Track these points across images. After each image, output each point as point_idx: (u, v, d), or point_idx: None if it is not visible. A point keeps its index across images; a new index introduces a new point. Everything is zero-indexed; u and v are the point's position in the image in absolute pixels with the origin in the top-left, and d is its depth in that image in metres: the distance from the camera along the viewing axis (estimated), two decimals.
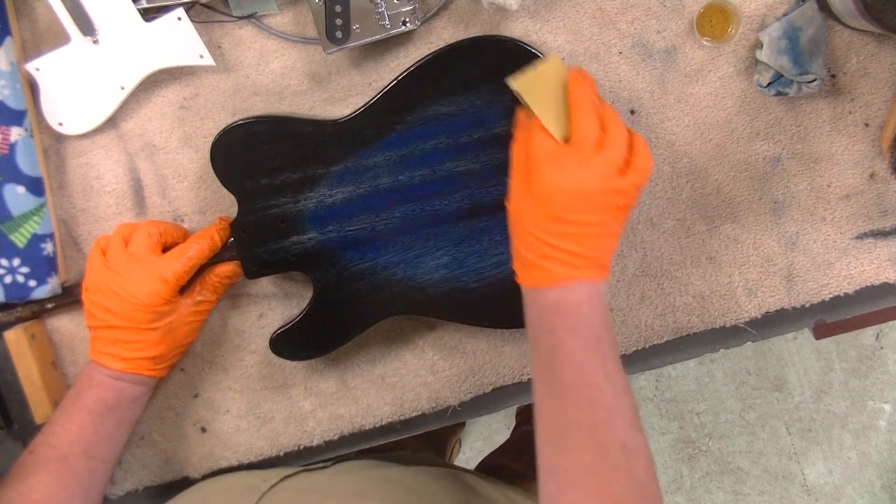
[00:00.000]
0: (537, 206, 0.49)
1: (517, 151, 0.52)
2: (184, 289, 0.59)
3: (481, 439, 1.54)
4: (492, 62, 0.56)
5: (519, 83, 0.51)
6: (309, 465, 0.64)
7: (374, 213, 0.58)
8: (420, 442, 1.03)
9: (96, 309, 0.57)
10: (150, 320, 0.56)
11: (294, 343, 0.60)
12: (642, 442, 0.46)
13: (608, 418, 0.45)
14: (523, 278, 0.51)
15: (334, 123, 0.57)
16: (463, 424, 1.25)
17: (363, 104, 0.57)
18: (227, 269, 0.59)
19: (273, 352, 0.60)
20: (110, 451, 0.57)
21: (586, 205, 0.48)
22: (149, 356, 0.57)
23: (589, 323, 0.49)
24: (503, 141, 0.56)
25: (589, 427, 0.45)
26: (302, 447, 0.67)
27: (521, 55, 0.56)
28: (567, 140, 0.49)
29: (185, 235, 0.60)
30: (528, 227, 0.49)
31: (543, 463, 0.46)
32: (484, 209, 0.57)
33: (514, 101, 0.55)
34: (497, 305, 0.59)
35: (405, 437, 0.67)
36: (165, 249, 0.58)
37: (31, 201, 0.59)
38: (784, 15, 0.58)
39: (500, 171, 0.57)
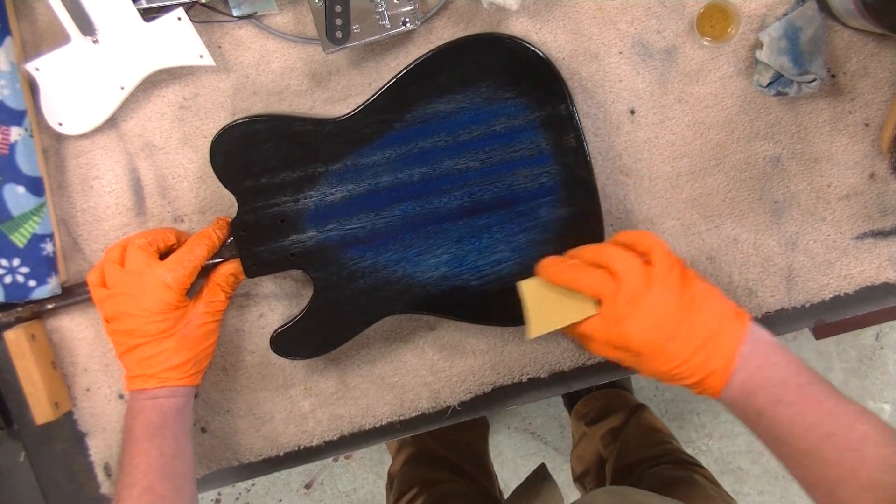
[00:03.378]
0: (651, 353, 0.49)
1: (599, 352, 0.53)
2: (193, 293, 0.59)
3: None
4: (490, 59, 0.56)
5: (533, 328, 0.53)
6: None
7: (373, 212, 0.58)
8: (458, 453, 1.03)
9: (118, 336, 0.57)
10: (164, 329, 0.56)
11: (294, 342, 0.60)
12: None
13: (860, 455, 0.44)
14: (712, 393, 0.50)
15: (334, 122, 0.57)
16: (488, 426, 1.24)
17: (362, 102, 0.57)
18: (231, 267, 0.59)
19: (273, 351, 0.60)
20: (183, 465, 0.57)
21: (665, 309, 0.48)
22: (173, 365, 0.57)
23: (781, 380, 0.48)
24: (502, 138, 0.56)
25: (849, 475, 0.44)
26: (302, 447, 0.67)
27: (519, 52, 0.56)
28: (599, 304, 0.51)
29: (179, 236, 0.60)
30: (668, 367, 0.49)
31: None
32: (484, 207, 0.57)
33: (513, 98, 0.56)
34: (497, 303, 0.59)
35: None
36: (164, 255, 0.58)
37: (31, 201, 0.59)
38: (784, 15, 0.58)
39: (500, 168, 0.57)
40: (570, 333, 0.54)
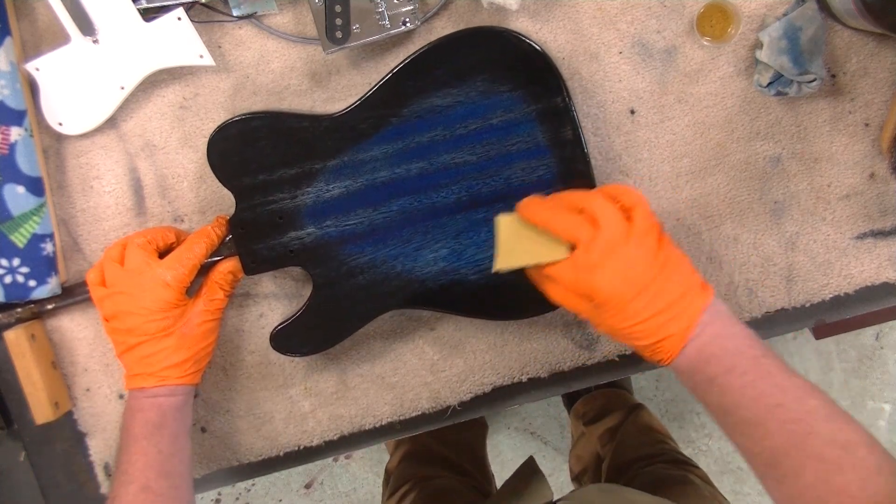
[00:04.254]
0: (614, 307, 0.49)
1: (557, 297, 0.52)
2: (193, 292, 0.59)
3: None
4: (486, 53, 0.56)
5: (500, 261, 0.52)
6: None
7: (371, 207, 0.58)
8: (458, 452, 1.03)
9: (118, 335, 0.57)
10: (164, 327, 0.56)
11: (294, 339, 0.60)
12: (852, 427, 0.45)
13: (807, 428, 0.45)
14: (665, 360, 0.51)
15: (330, 118, 0.57)
16: (486, 427, 1.24)
17: (358, 98, 0.57)
18: (230, 264, 0.59)
19: (273, 348, 0.60)
20: (181, 464, 0.57)
21: (638, 267, 0.48)
22: (172, 364, 0.57)
23: (737, 351, 0.48)
24: (499, 131, 0.56)
25: (794, 447, 0.44)
26: (302, 447, 0.67)
27: (514, 45, 0.56)
28: (572, 248, 0.50)
29: (178, 235, 0.60)
30: (626, 323, 0.49)
31: (775, 497, 0.46)
32: (482, 200, 0.57)
33: (509, 91, 0.56)
34: (496, 297, 0.58)
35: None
36: (163, 254, 0.58)
37: (31, 201, 0.59)
38: (784, 15, 0.58)
39: (497, 161, 0.57)
40: (535, 275, 0.54)
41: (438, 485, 0.91)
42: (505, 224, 0.52)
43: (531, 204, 0.52)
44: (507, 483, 0.78)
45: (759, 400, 0.46)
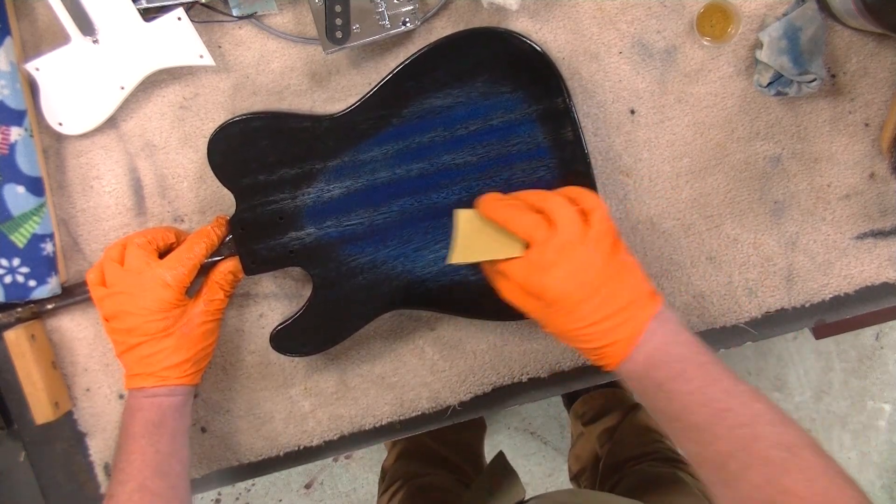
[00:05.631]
0: (563, 308, 0.49)
1: (509, 295, 0.53)
2: (193, 292, 0.59)
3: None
4: (486, 54, 0.56)
5: (456, 254, 0.53)
6: None
7: (372, 208, 0.58)
8: (456, 451, 1.03)
9: (118, 335, 0.57)
10: (164, 328, 0.56)
11: (294, 339, 0.60)
12: (796, 431, 0.45)
13: (753, 431, 0.45)
14: (609, 364, 0.51)
15: (331, 118, 0.57)
16: (485, 427, 1.24)
17: (359, 98, 0.57)
18: (230, 265, 0.59)
19: (273, 348, 0.60)
20: (178, 464, 0.57)
21: (590, 270, 0.49)
22: (172, 364, 0.57)
23: (684, 357, 0.49)
24: (500, 132, 0.56)
25: (741, 450, 0.45)
26: (302, 447, 0.67)
27: (515, 46, 0.56)
28: (527, 248, 0.51)
29: (178, 235, 0.60)
30: (574, 326, 0.50)
31: (723, 502, 0.46)
32: None
33: (510, 92, 0.56)
34: (496, 297, 0.58)
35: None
36: (163, 254, 0.58)
37: (31, 201, 0.59)
38: (784, 15, 0.58)
39: (498, 162, 0.57)
40: (488, 271, 0.54)
41: (426, 482, 0.92)
42: (464, 218, 0.53)
43: (490, 201, 0.52)
44: (479, 482, 0.78)
45: (707, 405, 0.47)
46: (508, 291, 0.53)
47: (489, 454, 1.17)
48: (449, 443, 1.04)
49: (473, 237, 0.52)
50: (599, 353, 0.50)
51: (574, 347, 0.52)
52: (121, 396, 0.66)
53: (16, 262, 0.59)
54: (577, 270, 0.48)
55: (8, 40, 0.57)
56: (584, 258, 0.49)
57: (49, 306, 0.62)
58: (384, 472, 1.02)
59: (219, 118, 0.62)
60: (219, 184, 0.58)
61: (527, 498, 0.70)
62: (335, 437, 0.67)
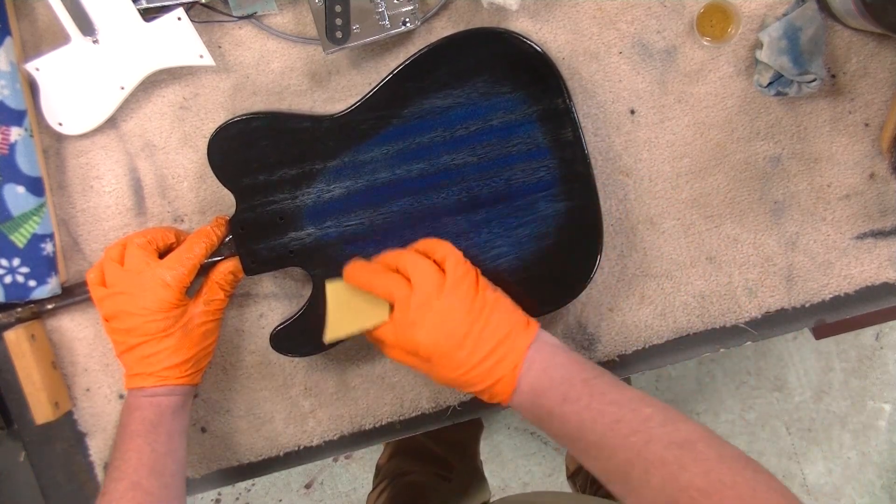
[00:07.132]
0: (440, 359, 0.50)
1: (395, 357, 0.54)
2: (193, 292, 0.59)
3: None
4: (486, 54, 0.56)
5: (329, 331, 0.54)
6: None
7: (372, 208, 0.58)
8: (450, 449, 1.04)
9: (118, 335, 0.57)
10: (164, 328, 0.56)
11: (294, 339, 0.60)
12: (689, 426, 0.45)
13: (645, 436, 0.45)
14: (503, 401, 0.52)
15: (331, 119, 0.57)
16: (482, 427, 1.24)
17: (359, 99, 0.57)
18: (230, 265, 0.59)
19: (273, 348, 0.60)
20: (174, 463, 0.57)
21: (455, 317, 0.50)
22: (172, 364, 0.57)
23: (565, 378, 0.49)
24: (500, 133, 0.56)
25: (637, 457, 0.45)
26: (302, 447, 0.67)
27: (515, 46, 0.56)
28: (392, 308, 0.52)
29: (178, 235, 0.60)
30: (457, 373, 0.50)
31: None
32: (482, 201, 0.57)
33: (510, 92, 0.56)
34: None
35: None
36: (163, 254, 0.58)
37: (31, 201, 0.59)
38: (784, 15, 0.58)
39: (498, 163, 0.57)
40: (370, 340, 0.55)
41: (412, 480, 0.92)
42: (332, 291, 0.54)
43: (353, 268, 0.54)
44: (453, 485, 0.79)
45: (598, 420, 0.47)
46: (392, 355, 0.54)
47: (489, 454, 1.18)
48: (442, 441, 1.04)
49: (343, 309, 0.54)
50: (490, 393, 0.51)
51: (470, 393, 0.53)
52: (121, 396, 0.66)
53: (16, 262, 0.59)
54: (441, 322, 0.49)
55: (8, 40, 0.57)
56: (445, 308, 0.50)
57: (49, 306, 0.62)
58: (378, 469, 1.03)
59: (219, 118, 0.62)
60: (219, 184, 0.58)
61: (491, 500, 0.70)
62: (335, 437, 0.67)
